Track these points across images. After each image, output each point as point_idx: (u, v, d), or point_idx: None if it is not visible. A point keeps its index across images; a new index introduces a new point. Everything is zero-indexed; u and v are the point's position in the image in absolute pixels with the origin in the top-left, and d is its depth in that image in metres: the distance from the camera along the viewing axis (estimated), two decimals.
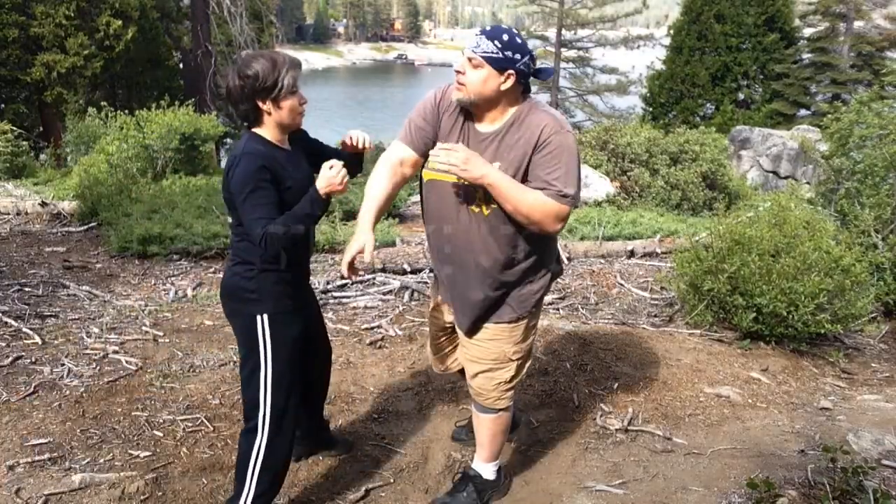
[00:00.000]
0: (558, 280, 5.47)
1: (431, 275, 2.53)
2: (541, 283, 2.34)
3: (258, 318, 2.20)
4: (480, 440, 2.52)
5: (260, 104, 2.13)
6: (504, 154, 2.14)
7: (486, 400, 2.41)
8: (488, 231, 2.20)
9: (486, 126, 2.19)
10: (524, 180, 2.13)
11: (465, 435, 2.95)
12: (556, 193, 2.09)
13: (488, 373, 2.37)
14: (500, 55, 2.06)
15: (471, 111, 2.19)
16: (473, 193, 2.17)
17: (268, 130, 2.19)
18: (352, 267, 2.15)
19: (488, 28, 2.12)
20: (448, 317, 2.49)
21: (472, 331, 2.36)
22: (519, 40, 2.09)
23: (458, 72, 2.13)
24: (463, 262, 2.27)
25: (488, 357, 2.35)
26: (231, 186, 2.09)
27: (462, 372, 2.61)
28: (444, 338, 2.61)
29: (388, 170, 2.27)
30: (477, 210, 2.19)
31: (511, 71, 2.08)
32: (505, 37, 2.07)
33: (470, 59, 2.08)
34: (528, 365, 2.48)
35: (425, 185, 2.30)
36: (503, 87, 2.10)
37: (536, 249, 2.27)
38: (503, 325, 2.33)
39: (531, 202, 2.08)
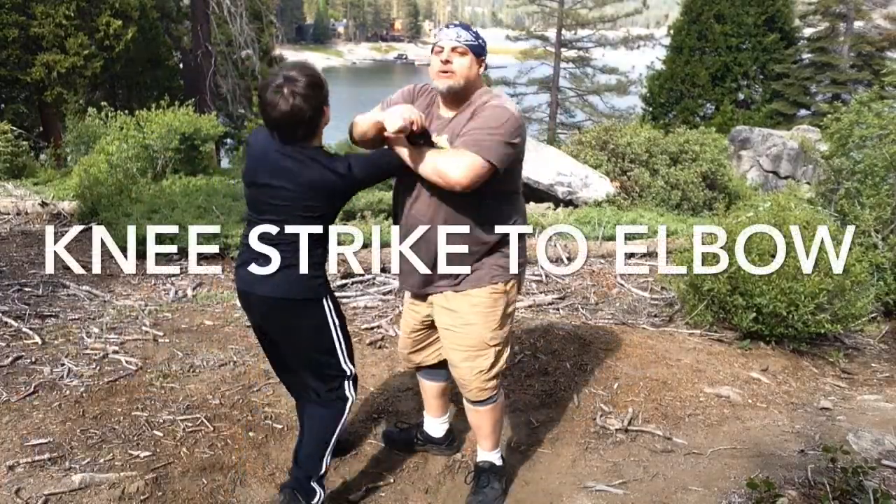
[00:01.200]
0: (559, 280, 5.48)
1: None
2: (501, 251, 2.40)
3: (324, 301, 2.30)
4: (483, 432, 2.56)
5: (324, 110, 2.17)
6: (456, 132, 2.29)
7: (470, 392, 2.47)
8: (450, 204, 2.32)
9: (448, 111, 2.37)
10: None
11: (396, 435, 2.94)
12: (473, 149, 2.17)
13: (468, 361, 2.42)
14: (477, 43, 2.30)
15: (445, 98, 2.36)
16: None
17: (319, 140, 2.23)
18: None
19: (456, 23, 2.37)
20: (427, 308, 2.53)
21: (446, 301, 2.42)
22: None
23: (446, 61, 2.28)
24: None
25: (466, 343, 2.41)
26: (355, 173, 2.18)
27: (434, 366, 2.68)
28: (422, 330, 2.63)
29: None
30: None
31: (483, 57, 2.34)
32: (474, 29, 2.34)
33: (455, 49, 2.27)
34: (506, 355, 2.52)
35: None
36: (479, 73, 2.35)
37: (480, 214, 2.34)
38: (477, 299, 2.38)
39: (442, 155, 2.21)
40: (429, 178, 2.21)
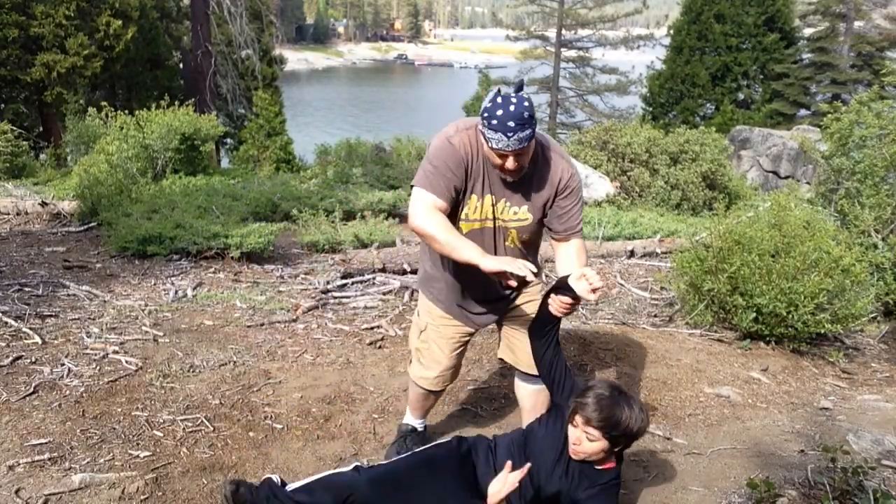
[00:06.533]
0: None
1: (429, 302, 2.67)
2: None
3: None
4: (540, 410, 2.61)
5: None
6: (532, 195, 2.38)
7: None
8: (522, 256, 2.49)
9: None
10: (544, 215, 2.44)
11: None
12: (579, 232, 2.46)
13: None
14: (533, 130, 2.19)
15: None
16: (507, 234, 2.47)
17: None
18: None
19: (511, 102, 2.15)
20: (470, 325, 2.65)
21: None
22: (528, 100, 2.20)
23: (512, 167, 2.24)
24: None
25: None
26: None
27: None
28: (461, 347, 2.70)
29: (436, 212, 2.33)
30: (512, 245, 2.49)
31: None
32: (526, 114, 2.14)
33: (522, 151, 2.21)
34: None
35: (465, 234, 2.40)
36: None
37: None
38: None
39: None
40: None
